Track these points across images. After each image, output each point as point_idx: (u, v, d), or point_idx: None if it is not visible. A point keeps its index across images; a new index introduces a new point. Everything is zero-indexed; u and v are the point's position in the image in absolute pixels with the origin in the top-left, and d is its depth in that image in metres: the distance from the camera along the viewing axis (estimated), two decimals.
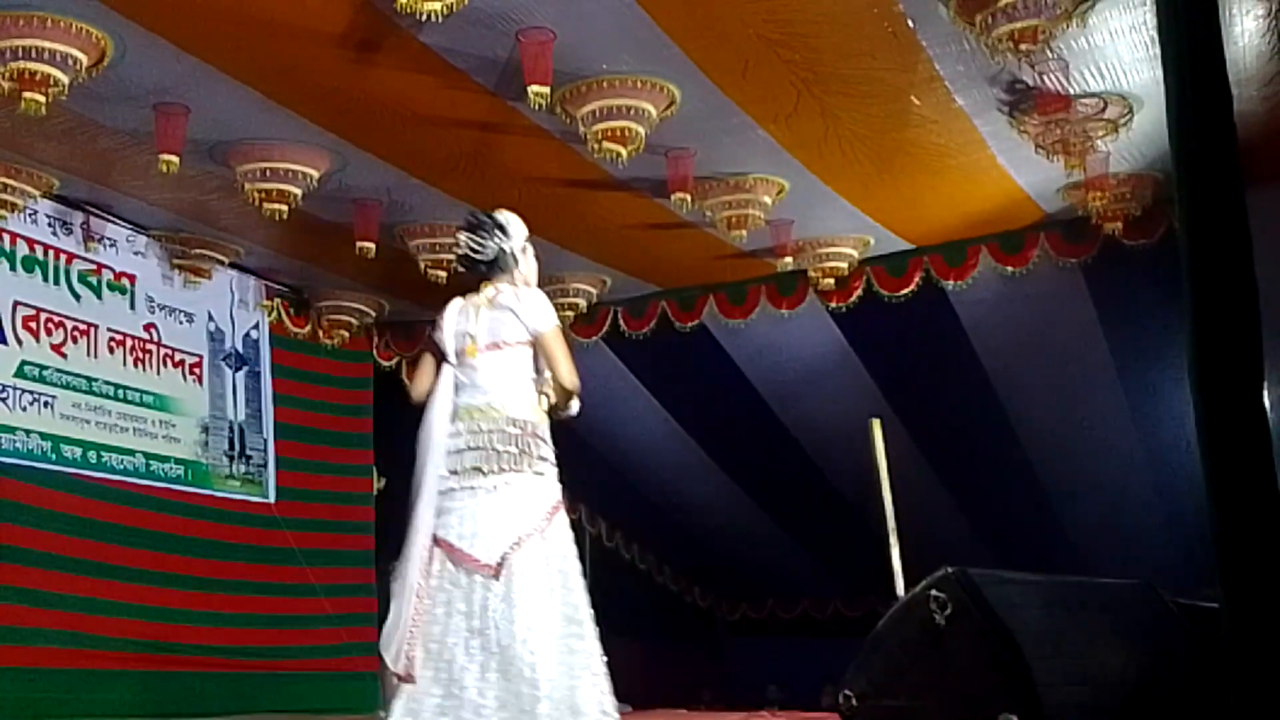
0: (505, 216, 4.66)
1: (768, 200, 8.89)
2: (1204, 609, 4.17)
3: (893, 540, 8.27)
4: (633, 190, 8.92)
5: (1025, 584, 4.14)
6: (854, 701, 4.09)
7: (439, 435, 4.55)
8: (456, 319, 4.57)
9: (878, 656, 4.09)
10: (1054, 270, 9.73)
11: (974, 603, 3.84)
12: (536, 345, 4.54)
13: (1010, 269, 9.79)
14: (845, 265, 10.04)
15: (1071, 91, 7.55)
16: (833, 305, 10.50)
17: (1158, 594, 4.34)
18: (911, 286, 10.14)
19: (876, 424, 8.74)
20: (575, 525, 15.01)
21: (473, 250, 4.61)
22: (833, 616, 14.29)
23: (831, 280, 10.12)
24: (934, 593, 3.88)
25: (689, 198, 8.51)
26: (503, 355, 4.50)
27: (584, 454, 12.99)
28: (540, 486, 4.66)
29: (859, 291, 10.33)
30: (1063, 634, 3.91)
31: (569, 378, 4.54)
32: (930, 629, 3.88)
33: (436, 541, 4.50)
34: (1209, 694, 3.58)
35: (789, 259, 9.94)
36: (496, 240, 4.59)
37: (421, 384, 4.68)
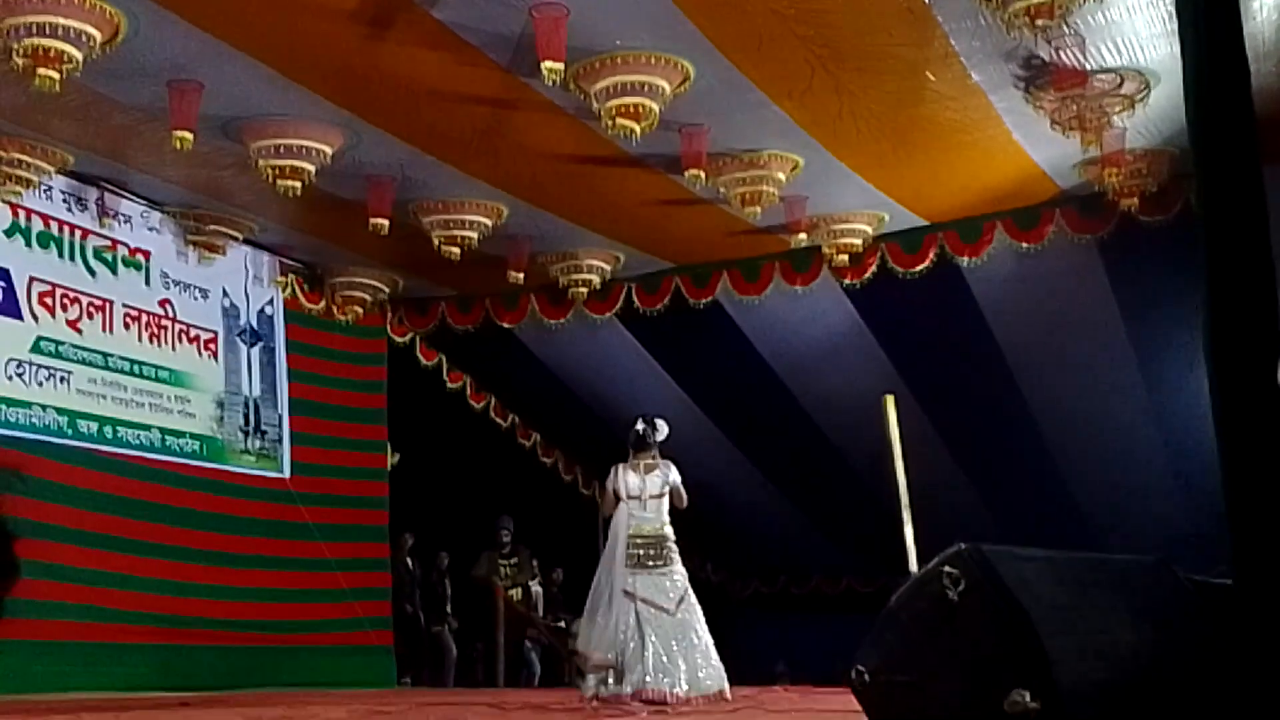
0: (660, 423, 7.81)
1: (782, 176, 8.87)
2: (1218, 585, 4.16)
3: (906, 516, 8.28)
4: (646, 166, 8.91)
5: (1039, 560, 4.12)
6: (866, 677, 4.09)
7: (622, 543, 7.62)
8: (631, 477, 7.66)
9: (890, 632, 4.08)
10: (1069, 246, 9.70)
11: (987, 579, 3.83)
12: (673, 491, 7.66)
13: (1025, 245, 9.76)
14: (859, 242, 10.02)
15: (1088, 67, 7.51)
16: (847, 282, 10.49)
17: (1172, 570, 4.32)
18: (926, 263, 10.12)
19: (890, 400, 8.74)
20: (588, 501, 15.08)
21: (646, 436, 7.74)
22: (845, 592, 14.30)
23: (845, 257, 10.10)
24: (947, 569, 3.87)
25: (703, 174, 8.50)
26: (660, 499, 7.62)
27: (597, 430, 13.03)
28: (680, 566, 7.59)
29: (873, 268, 10.32)
30: (1076, 610, 3.90)
31: (685, 502, 7.70)
32: (943, 605, 3.87)
33: (630, 595, 7.43)
34: (1223, 670, 3.57)
35: (803, 235, 9.92)
36: (658, 436, 7.75)
37: (608, 512, 7.80)
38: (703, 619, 7.58)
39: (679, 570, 7.51)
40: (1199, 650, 3.93)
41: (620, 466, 7.66)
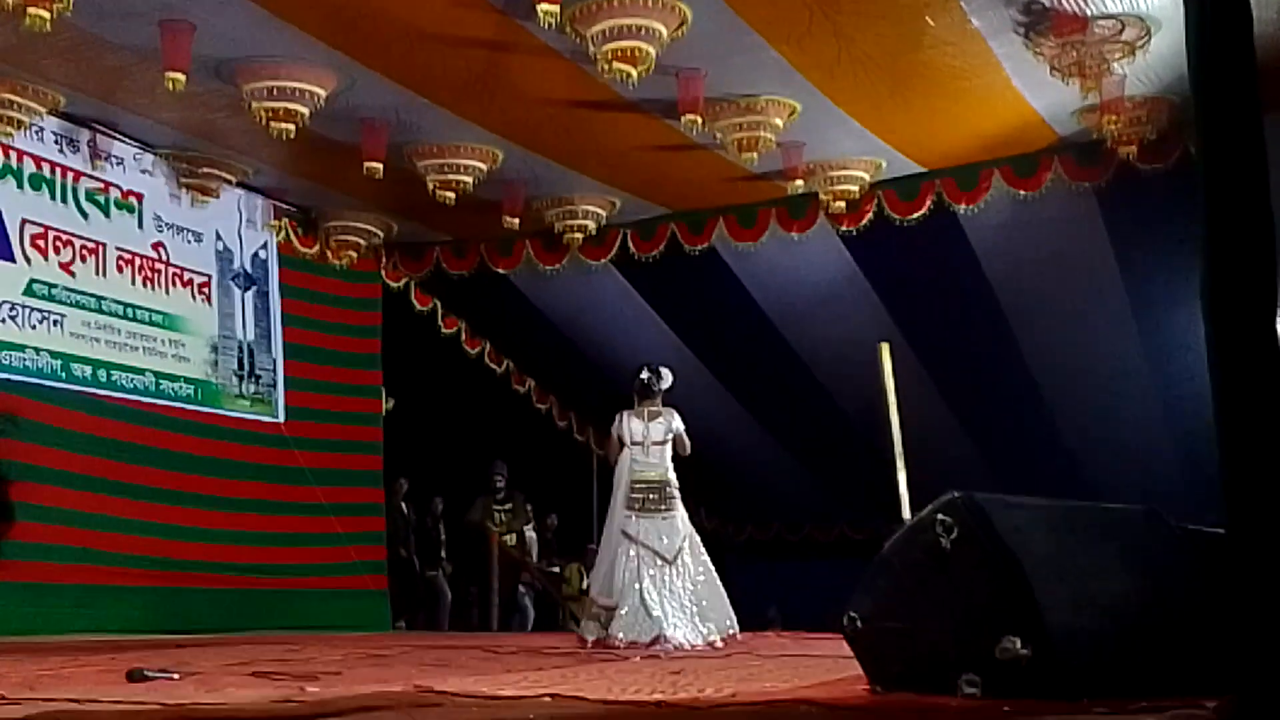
0: (665, 371, 7.95)
1: (779, 122, 8.80)
2: (1210, 534, 4.17)
3: (899, 464, 8.29)
4: (643, 111, 8.84)
5: (1031, 509, 4.13)
6: (858, 623, 4.11)
7: (624, 488, 7.83)
8: (635, 423, 7.85)
9: (883, 579, 4.10)
10: (1067, 194, 9.66)
11: (980, 527, 3.84)
12: (676, 439, 7.85)
13: (1023, 193, 9.72)
14: (856, 188, 9.97)
15: (1088, 13, 7.44)
16: (843, 228, 10.46)
17: (1164, 519, 4.33)
18: (923, 210, 10.08)
19: (885, 348, 8.72)
20: (582, 447, 15.11)
21: (651, 385, 7.88)
22: (838, 539, 14.36)
23: (842, 203, 10.06)
24: (940, 517, 3.88)
25: (699, 119, 8.44)
26: (663, 445, 7.82)
27: (591, 377, 13.03)
28: (683, 511, 7.79)
29: (870, 215, 10.27)
30: (1068, 559, 3.92)
31: (689, 449, 7.89)
32: (936, 553, 3.89)
33: (629, 537, 7.63)
34: (1213, 619, 3.59)
35: (800, 182, 9.87)
36: (662, 384, 7.89)
37: (613, 457, 8.06)
38: (707, 563, 7.74)
39: (680, 515, 7.70)
40: (1189, 599, 3.95)
41: (625, 413, 7.88)
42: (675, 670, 5.37)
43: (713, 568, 7.81)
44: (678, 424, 7.81)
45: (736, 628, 7.73)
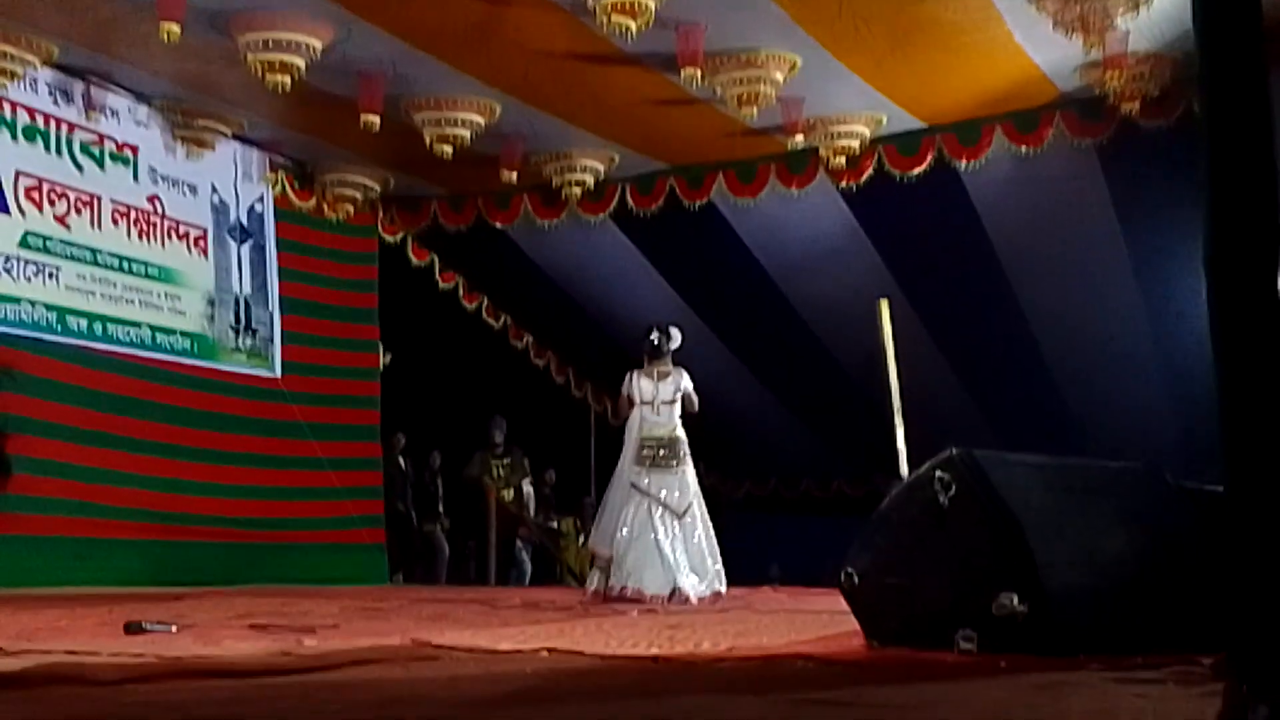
0: (675, 331, 8.11)
1: (779, 76, 8.74)
2: (1208, 492, 4.17)
3: (898, 420, 8.28)
4: (642, 65, 8.77)
5: (1030, 466, 4.13)
6: (856, 579, 4.11)
7: (634, 445, 7.95)
8: (645, 383, 7.96)
9: (880, 536, 4.10)
10: (1068, 151, 9.61)
11: (978, 484, 3.84)
12: (685, 397, 7.94)
13: (1024, 149, 9.66)
14: (857, 144, 9.91)
15: None
16: (843, 184, 10.40)
17: (1162, 477, 4.33)
18: (924, 166, 10.03)
19: (884, 304, 8.70)
20: (580, 403, 15.06)
21: (660, 345, 8.00)
22: (836, 495, 14.39)
23: (842, 159, 10.00)
24: (938, 473, 3.87)
25: (699, 73, 8.38)
26: (672, 404, 7.91)
27: (590, 333, 13.01)
28: (691, 467, 7.91)
29: (870, 170, 10.22)
30: (1066, 516, 3.92)
31: (697, 407, 7.98)
32: (934, 509, 3.89)
33: (641, 491, 7.78)
34: (1211, 577, 3.59)
35: (800, 137, 9.81)
36: (672, 344, 8.03)
37: (623, 414, 8.15)
38: (708, 522, 7.89)
39: (690, 471, 7.87)
40: (1187, 556, 3.95)
41: (635, 372, 8.02)
42: (672, 625, 5.38)
43: (711, 527, 7.94)
44: (687, 383, 7.92)
45: (724, 586, 7.82)
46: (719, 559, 7.87)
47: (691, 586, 7.55)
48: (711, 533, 7.92)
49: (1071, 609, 3.68)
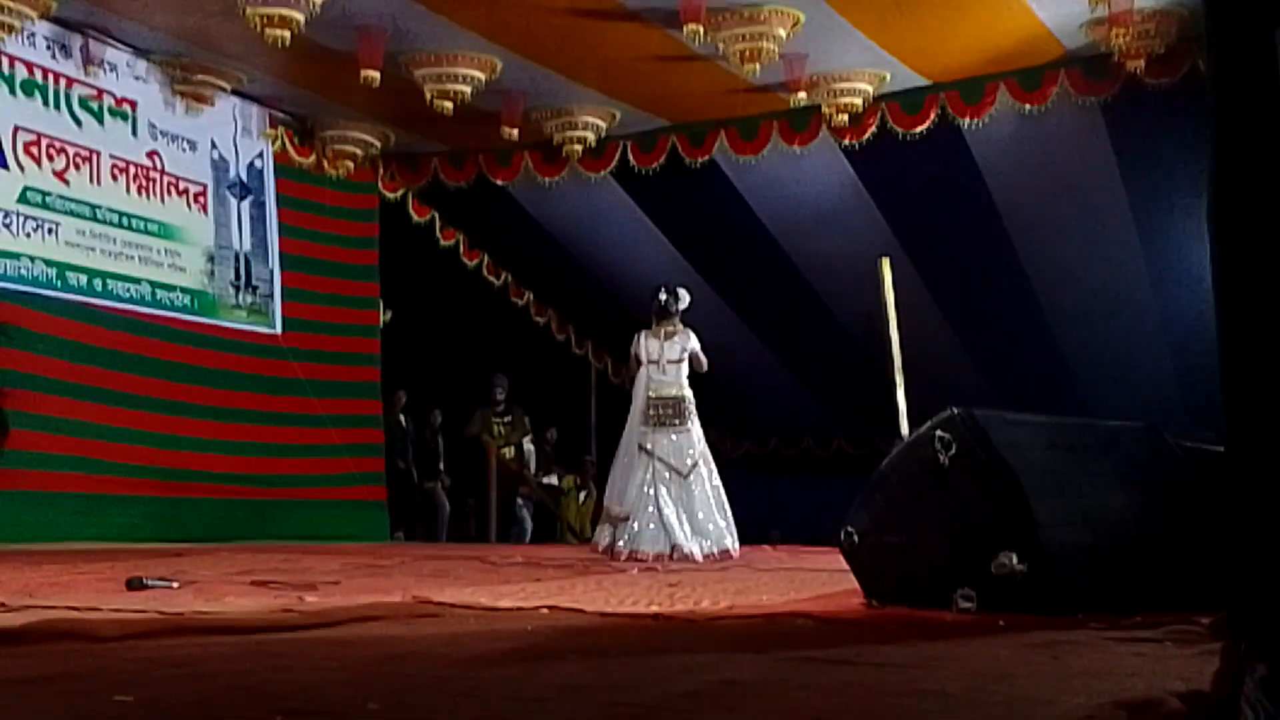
0: (682, 292, 8.12)
1: (782, 33, 8.67)
2: (1207, 451, 4.17)
3: (898, 379, 8.28)
4: (644, 21, 8.70)
5: (1030, 425, 4.13)
6: (855, 538, 4.12)
7: (641, 404, 7.99)
8: (652, 343, 8.03)
9: (880, 495, 4.11)
10: (1073, 109, 9.55)
11: (978, 443, 3.84)
12: (692, 357, 8.02)
13: (1028, 107, 9.61)
14: (860, 101, 9.85)
15: None
16: (846, 142, 10.35)
17: (1162, 436, 4.33)
18: (927, 124, 9.97)
19: (886, 263, 8.68)
20: (581, 361, 15.04)
21: (668, 306, 8.05)
22: (836, 454, 14.42)
23: (845, 116, 9.95)
24: (939, 433, 3.87)
25: (701, 29, 8.31)
26: (679, 364, 7.99)
27: (591, 291, 12.99)
28: (697, 427, 7.98)
29: (873, 128, 10.16)
30: (1065, 475, 3.92)
31: (705, 367, 8.04)
32: (934, 469, 3.89)
33: (646, 451, 7.86)
34: (1210, 537, 3.60)
35: (802, 94, 9.75)
36: (679, 305, 8.07)
37: (632, 374, 8.19)
38: (715, 481, 7.97)
39: (696, 430, 7.95)
40: (1186, 515, 3.96)
41: (643, 333, 8.11)
42: (672, 583, 5.40)
43: (721, 487, 8.00)
44: (693, 344, 7.99)
45: (735, 547, 7.87)
46: (728, 518, 7.91)
47: (691, 544, 7.62)
48: (720, 492, 7.97)
49: (1070, 568, 3.69)
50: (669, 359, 7.97)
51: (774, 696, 2.23)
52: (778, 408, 14.38)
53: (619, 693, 2.21)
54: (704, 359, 8.05)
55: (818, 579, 5.55)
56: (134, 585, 4.66)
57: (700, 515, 7.79)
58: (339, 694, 2.21)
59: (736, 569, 6.85)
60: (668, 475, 7.79)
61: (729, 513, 7.96)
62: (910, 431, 6.06)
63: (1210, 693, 2.15)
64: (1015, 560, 3.65)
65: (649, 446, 7.88)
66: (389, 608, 3.86)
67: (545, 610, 3.97)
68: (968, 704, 2.08)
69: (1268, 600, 2.74)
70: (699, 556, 7.54)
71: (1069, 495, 3.87)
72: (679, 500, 7.74)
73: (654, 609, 4.10)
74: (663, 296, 8.09)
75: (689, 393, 8.01)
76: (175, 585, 4.77)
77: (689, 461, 7.83)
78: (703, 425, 8.16)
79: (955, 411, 3.91)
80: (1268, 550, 2.76)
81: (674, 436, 7.87)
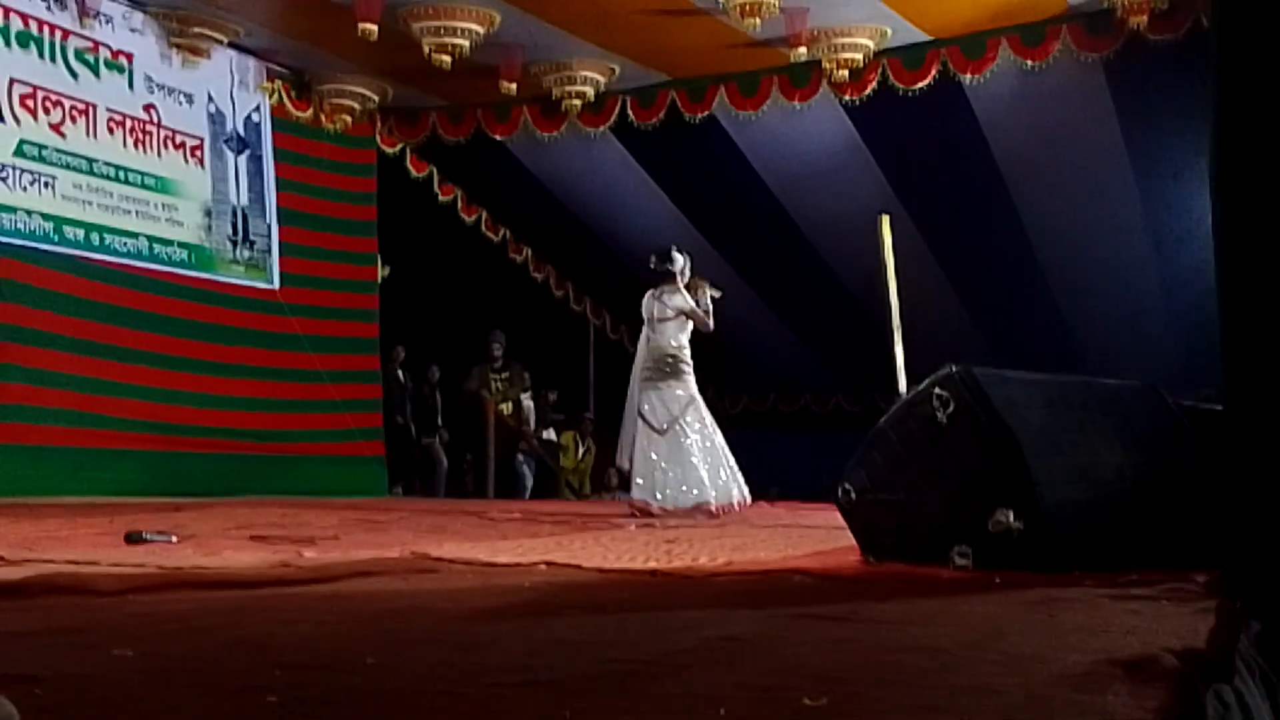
0: (675, 254, 8.18)
1: None
2: (1205, 410, 4.18)
3: (897, 337, 8.28)
4: None
5: (1028, 383, 4.12)
6: (853, 495, 4.13)
7: (639, 362, 8.18)
8: (648, 302, 8.10)
9: (878, 452, 4.11)
10: (1074, 65, 9.49)
11: (976, 401, 3.83)
12: (691, 315, 8.05)
13: (1029, 63, 9.55)
14: (860, 56, 9.79)
15: None
16: (846, 98, 10.29)
17: (1160, 395, 4.33)
18: (928, 80, 9.91)
19: (885, 220, 8.66)
20: (579, 317, 15.06)
21: (656, 269, 8.13)
22: (834, 412, 14.45)
23: (846, 72, 9.89)
24: (937, 390, 3.87)
25: None
26: (670, 322, 8.04)
27: (589, 247, 12.96)
28: (683, 382, 8.03)
29: (873, 84, 10.10)
30: (1063, 433, 3.92)
31: (704, 324, 8.10)
32: (932, 426, 3.89)
33: (640, 412, 7.94)
34: (1206, 495, 3.60)
35: (803, 49, 9.68)
36: (669, 266, 8.10)
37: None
38: (706, 436, 7.97)
39: (680, 388, 8.00)
40: (1183, 475, 3.97)
41: (648, 293, 8.21)
42: (670, 539, 5.41)
43: (716, 439, 8.02)
44: (679, 301, 8.04)
45: (736, 499, 7.91)
46: (723, 472, 7.93)
47: (661, 498, 7.72)
48: (714, 446, 7.97)
49: (1067, 526, 3.69)
50: (658, 317, 8.06)
51: (771, 653, 2.24)
52: (776, 364, 14.39)
53: (616, 648, 2.22)
54: (703, 315, 8.08)
55: (815, 536, 5.57)
56: (133, 539, 4.68)
57: (686, 470, 7.82)
58: (337, 648, 2.22)
59: (734, 525, 6.87)
60: (646, 432, 7.91)
61: (722, 468, 7.96)
62: (909, 389, 6.06)
63: (1205, 650, 2.16)
64: (1012, 518, 3.65)
65: (638, 401, 8.03)
66: (387, 563, 3.87)
67: (543, 566, 3.98)
68: (964, 660, 2.09)
69: (1263, 558, 2.75)
70: (666, 510, 7.62)
71: (1067, 453, 3.87)
72: (659, 456, 7.83)
73: (651, 565, 4.11)
74: (652, 260, 8.19)
75: (679, 351, 8.06)
76: (174, 540, 4.79)
77: (665, 421, 7.88)
78: (701, 382, 8.15)
79: (954, 369, 3.91)
80: (1264, 509, 2.76)
81: (657, 394, 7.97)
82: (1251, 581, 2.76)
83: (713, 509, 7.68)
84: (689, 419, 7.96)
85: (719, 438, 8.04)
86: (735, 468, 7.99)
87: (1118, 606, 2.86)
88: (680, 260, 8.19)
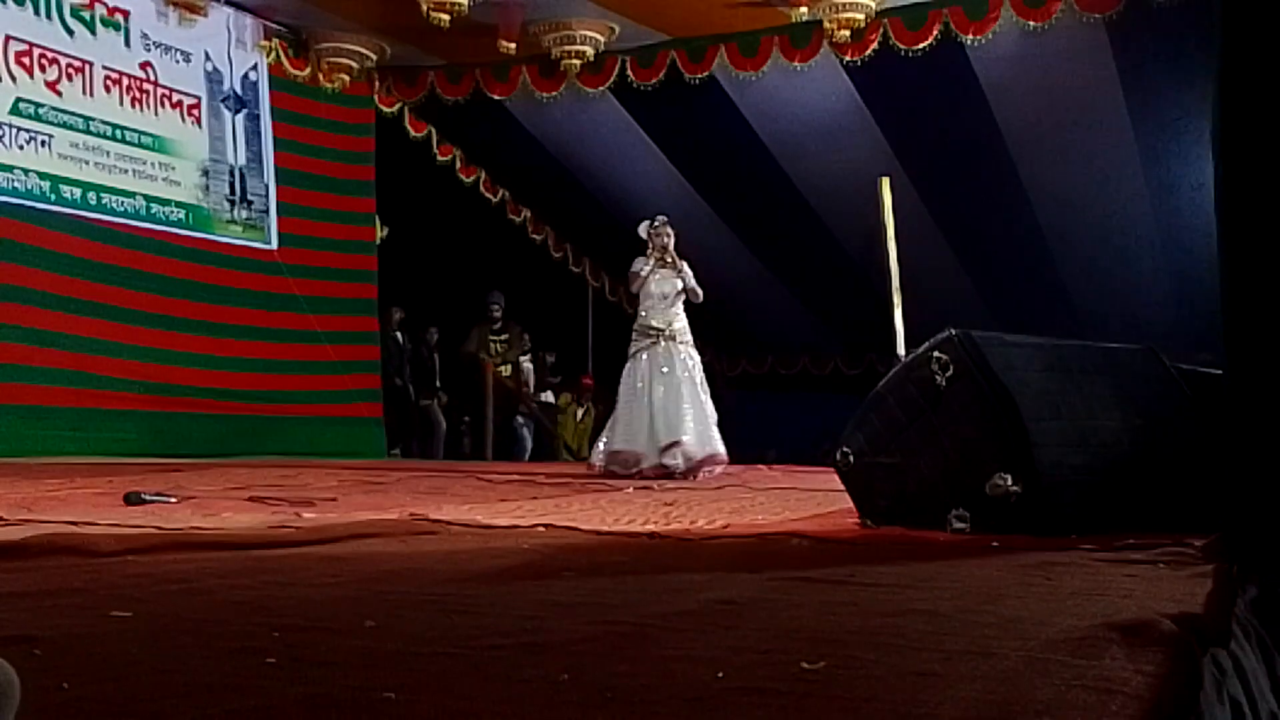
0: (643, 224, 8.14)
1: None
2: (1204, 374, 4.17)
3: (896, 300, 8.28)
4: None
5: (1027, 346, 4.11)
6: (851, 458, 4.12)
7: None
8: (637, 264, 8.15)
9: (876, 415, 4.10)
10: (1077, 26, 9.43)
11: (975, 364, 3.83)
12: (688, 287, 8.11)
13: (1032, 24, 9.49)
14: (862, 16, 9.73)
15: None
16: (847, 59, 10.23)
17: (1160, 359, 4.32)
18: (929, 40, 9.85)
19: (885, 182, 8.64)
20: (578, 278, 15.03)
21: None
22: (832, 374, 14.46)
23: (847, 32, 9.83)
24: (936, 354, 3.86)
25: None
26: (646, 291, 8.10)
27: (588, 208, 12.92)
28: (675, 347, 8.03)
29: (875, 45, 10.04)
30: (1062, 396, 3.91)
31: (695, 296, 8.09)
32: (930, 390, 3.88)
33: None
34: (1204, 460, 3.61)
35: (803, 9, 9.63)
36: (648, 237, 8.08)
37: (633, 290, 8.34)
38: (687, 393, 7.96)
39: (661, 349, 7.99)
40: (1181, 439, 3.97)
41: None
42: (668, 502, 5.42)
43: (700, 397, 8.02)
44: (635, 264, 8.06)
45: (707, 452, 7.89)
46: (679, 430, 7.85)
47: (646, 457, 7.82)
48: (700, 401, 7.98)
49: (1065, 489, 3.69)
50: (640, 278, 8.11)
51: (768, 615, 2.24)
52: (774, 327, 14.38)
53: (613, 611, 2.22)
54: (684, 285, 8.02)
55: (813, 499, 5.57)
56: (132, 500, 4.68)
57: (662, 429, 7.87)
58: (336, 610, 2.22)
59: (731, 488, 6.88)
60: (631, 394, 7.97)
61: (702, 418, 7.96)
62: (907, 352, 6.06)
63: (1202, 614, 2.16)
64: (1010, 481, 3.66)
65: (629, 370, 8.07)
66: (386, 525, 3.87)
67: (541, 528, 3.98)
68: (960, 624, 2.09)
69: (1261, 522, 2.75)
70: (648, 466, 7.71)
71: (1065, 417, 3.87)
72: (641, 415, 7.90)
73: (649, 528, 4.11)
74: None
75: (647, 319, 8.07)
76: (173, 500, 4.79)
77: (638, 382, 7.96)
78: (699, 344, 8.15)
79: (953, 332, 3.89)
80: (1262, 473, 2.76)
81: (641, 360, 8.02)
82: (1249, 546, 2.77)
83: (718, 459, 7.86)
84: (682, 379, 8.04)
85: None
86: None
87: (1115, 570, 2.86)
88: (643, 230, 8.18)
